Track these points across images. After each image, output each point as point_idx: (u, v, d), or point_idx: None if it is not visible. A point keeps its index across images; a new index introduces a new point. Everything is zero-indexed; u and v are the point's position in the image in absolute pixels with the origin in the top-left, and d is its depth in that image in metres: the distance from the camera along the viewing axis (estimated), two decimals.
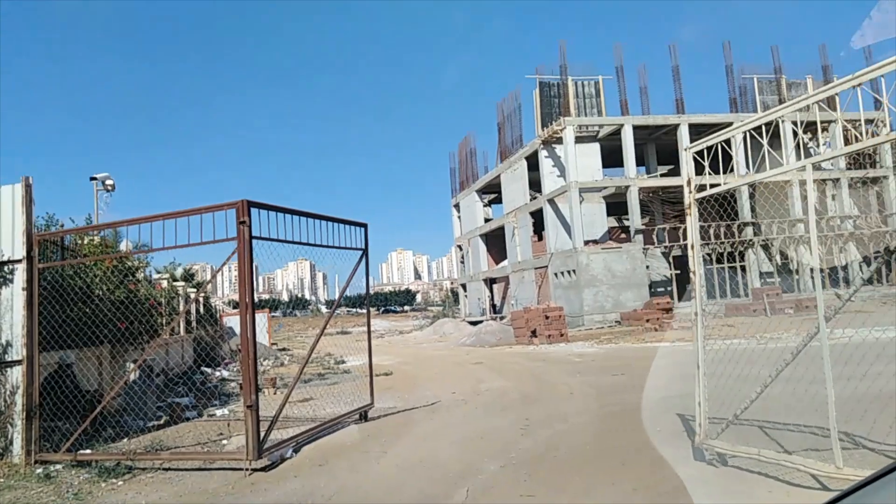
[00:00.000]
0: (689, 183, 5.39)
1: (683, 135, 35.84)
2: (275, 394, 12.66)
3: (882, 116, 39.41)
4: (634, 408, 7.83)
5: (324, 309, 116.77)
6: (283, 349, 28.65)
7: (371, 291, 9.68)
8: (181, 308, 16.73)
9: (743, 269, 35.86)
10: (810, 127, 40.57)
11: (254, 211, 6.39)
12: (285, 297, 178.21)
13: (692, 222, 5.39)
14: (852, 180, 39.28)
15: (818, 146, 42.25)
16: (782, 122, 34.77)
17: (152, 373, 11.01)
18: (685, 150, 5.38)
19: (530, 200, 39.32)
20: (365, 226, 8.18)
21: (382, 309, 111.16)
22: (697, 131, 37.09)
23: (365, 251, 8.35)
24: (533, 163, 38.41)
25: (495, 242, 47.01)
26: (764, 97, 40.20)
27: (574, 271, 33.14)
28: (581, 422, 7.71)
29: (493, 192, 48.50)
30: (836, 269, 37.69)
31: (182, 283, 19.30)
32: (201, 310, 21.64)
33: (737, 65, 39.08)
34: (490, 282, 48.31)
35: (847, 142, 40.91)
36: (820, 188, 40.01)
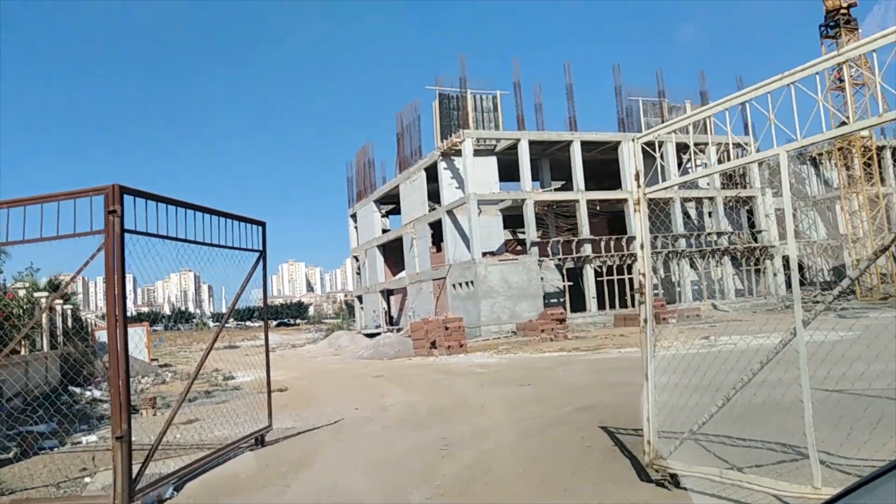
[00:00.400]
0: (637, 177, 5.03)
1: (576, 151, 37.09)
2: (154, 415, 11.29)
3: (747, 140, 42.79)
4: (553, 421, 7.46)
5: (210, 322, 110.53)
6: (165, 365, 26.51)
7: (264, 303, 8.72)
8: (42, 319, 14.69)
9: (631, 281, 37.43)
10: (687, 148, 43.42)
11: (128, 200, 5.32)
12: (167, 311, 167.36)
13: (641, 219, 5.03)
14: (726, 199, 42.26)
15: (695, 167, 45.26)
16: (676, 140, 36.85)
17: (1, 397, 9.39)
18: (633, 140, 5.01)
19: (429, 211, 39.10)
20: (263, 224, 7.24)
21: (278, 322, 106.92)
22: (588, 149, 38.59)
23: (263, 253, 7.40)
24: (432, 174, 38.26)
25: (393, 253, 46.38)
26: (648, 118, 42.48)
27: (472, 282, 33.18)
28: (504, 440, 7.16)
29: (391, 202, 47.89)
30: (712, 281, 40.36)
31: (45, 294, 17.05)
32: (69, 323, 19.30)
33: (625, 87, 41.08)
34: (387, 293, 47.54)
35: (720, 161, 44.16)
36: (697, 206, 42.79)
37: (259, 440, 7.56)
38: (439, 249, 38.28)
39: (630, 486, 4.88)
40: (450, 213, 36.21)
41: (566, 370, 13.68)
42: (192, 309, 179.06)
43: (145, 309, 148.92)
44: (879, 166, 41.88)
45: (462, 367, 17.10)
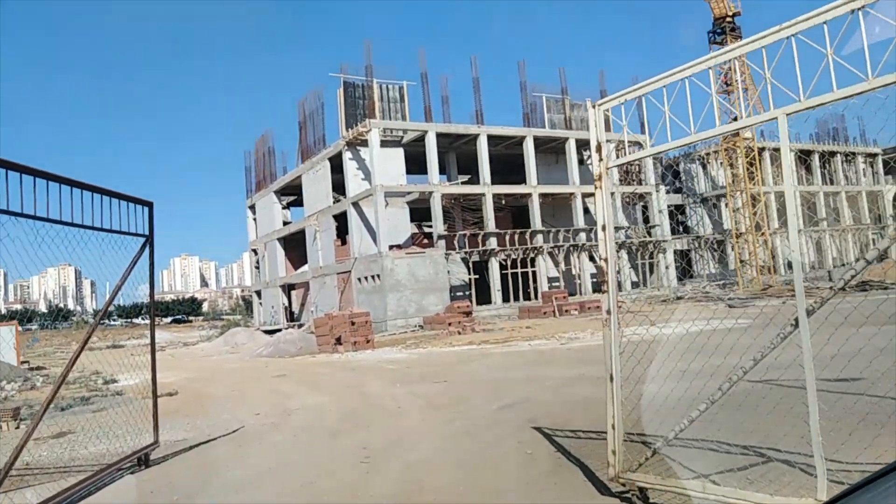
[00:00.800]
0: (599, 149, 4.45)
1: (483, 145, 37.11)
2: (17, 427, 9.81)
3: (644, 138, 44.69)
4: (482, 423, 6.88)
5: (93, 320, 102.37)
6: (37, 368, 23.79)
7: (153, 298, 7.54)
8: None
9: (534, 274, 38.04)
10: (588, 145, 44.70)
11: None
12: (43, 308, 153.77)
13: (603, 196, 4.46)
14: (624, 195, 43.88)
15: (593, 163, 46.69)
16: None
17: None
18: (594, 106, 4.43)
19: (334, 203, 37.84)
20: (150, 205, 6.09)
21: (172, 319, 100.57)
22: (495, 143, 38.75)
23: (150, 238, 6.29)
24: (337, 164, 37.02)
25: (295, 246, 44.60)
26: (551, 115, 43.29)
27: (378, 276, 32.39)
28: (433, 448, 6.42)
29: (293, 193, 46.03)
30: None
31: None
32: None
33: (529, 83, 41.54)
34: (288, 288, 45.72)
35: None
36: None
37: (143, 459, 6.42)
38: (344, 242, 37.15)
39: (592, 501, 4.31)
40: (356, 204, 35.17)
41: (480, 365, 13.30)
42: (72, 306, 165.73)
43: (18, 307, 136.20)
44: (760, 167, 44.95)
45: (371, 364, 16.37)
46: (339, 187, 37.75)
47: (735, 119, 4.79)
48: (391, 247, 33.41)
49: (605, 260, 4.47)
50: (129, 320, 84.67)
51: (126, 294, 6.49)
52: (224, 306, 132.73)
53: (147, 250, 6.19)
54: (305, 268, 42.29)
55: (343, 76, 36.61)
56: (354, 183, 35.52)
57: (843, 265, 52.23)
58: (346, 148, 35.48)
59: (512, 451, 5.75)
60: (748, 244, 44.08)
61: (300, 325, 38.97)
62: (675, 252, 46.70)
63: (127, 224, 5.71)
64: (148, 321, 7.37)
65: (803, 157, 54.71)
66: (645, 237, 44.07)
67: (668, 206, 47.63)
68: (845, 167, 57.07)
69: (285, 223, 46.42)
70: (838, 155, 56.61)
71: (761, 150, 46.52)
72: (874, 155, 59.06)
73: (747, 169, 42.91)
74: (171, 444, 7.39)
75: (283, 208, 47.42)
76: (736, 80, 41.31)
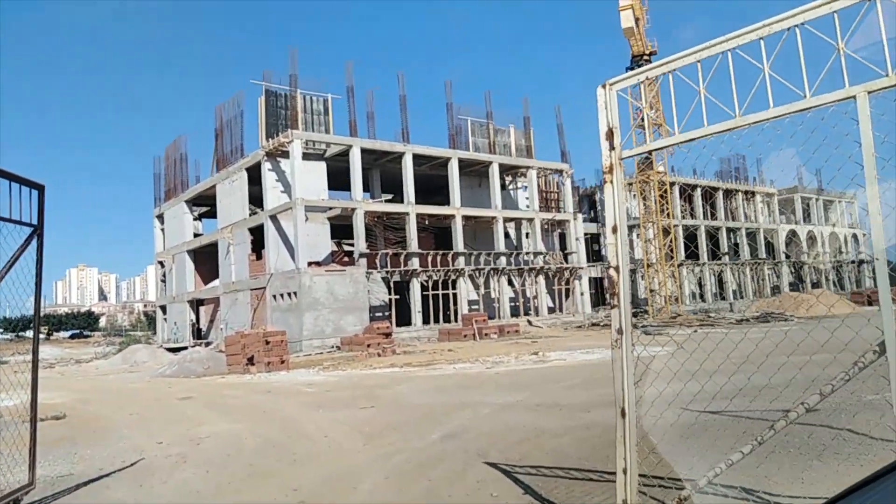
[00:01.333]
0: (610, 135, 3.62)
1: (408, 163, 36.73)
2: None
3: (566, 167, 45.82)
4: (426, 457, 6.13)
5: None
6: None
7: (41, 311, 6.32)
8: None
9: (454, 296, 37.79)
10: (510, 170, 45.38)
11: None
12: None
13: (615, 191, 3.60)
14: (543, 221, 44.65)
15: (516, 188, 47.48)
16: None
17: None
18: (606, 85, 3.57)
19: (250, 215, 36.19)
20: (41, 188, 4.86)
21: (71, 334, 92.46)
22: (420, 163, 38.49)
23: (38, 229, 5.04)
24: (255, 175, 35.49)
25: (206, 260, 42.29)
26: (475, 139, 43.61)
27: (295, 293, 31.06)
28: (377, 489, 5.42)
29: (206, 204, 43.78)
30: (527, 298, 42.17)
31: None
32: None
33: (456, 104, 41.68)
34: (197, 304, 43.20)
35: (540, 189, 46.78)
36: (517, 227, 44.70)
37: None
38: (260, 257, 35.51)
39: None
40: (274, 218, 33.75)
41: (407, 388, 12.61)
42: None
43: None
44: (670, 200, 47.05)
45: (287, 387, 15.32)
46: (256, 199, 36.18)
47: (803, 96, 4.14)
48: (310, 263, 32.22)
49: (616, 268, 3.70)
50: (16, 334, 77.58)
51: (13, 304, 5.40)
52: (124, 322, 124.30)
53: (35, 242, 5.02)
54: (216, 282, 40.12)
55: (265, 84, 35.34)
56: (273, 195, 34.12)
57: (743, 298, 55.42)
58: (265, 158, 34.09)
59: (472, 492, 4.99)
60: (658, 274, 45.84)
61: (208, 344, 36.81)
62: (589, 279, 47.88)
63: (10, 210, 4.62)
64: (42, 335, 6.20)
65: (710, 193, 57.92)
66: (562, 263, 44.92)
67: (585, 235, 48.90)
68: (745, 205, 60.84)
69: (196, 235, 44.01)
70: (739, 193, 60.31)
71: (672, 184, 48.77)
72: (771, 194, 63.40)
73: (658, 201, 44.81)
74: (53, 482, 6.25)
75: (195, 219, 44.99)
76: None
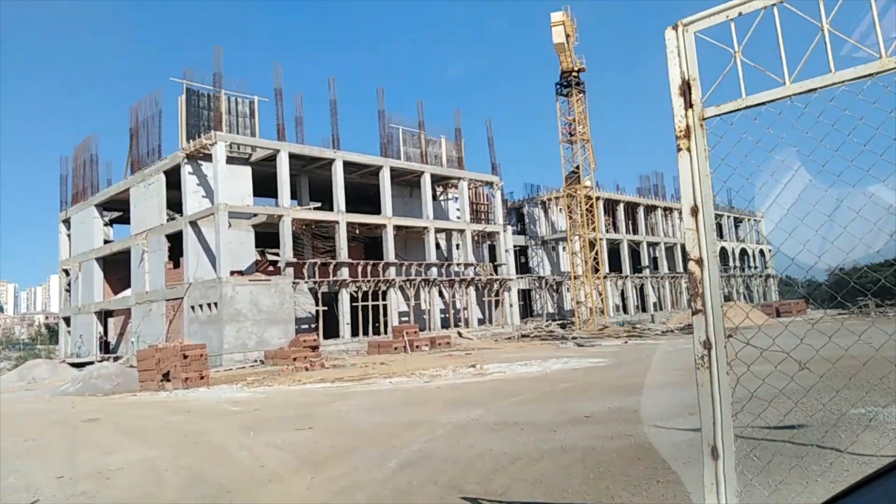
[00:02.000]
0: (688, 89, 2.59)
1: (338, 171, 35.68)
2: None
3: (496, 180, 45.99)
4: (388, 493, 5.18)
5: None
6: None
7: None
8: None
9: (385, 307, 36.88)
10: (442, 181, 45.06)
11: None
12: None
13: (697, 161, 2.53)
14: (474, 233, 44.51)
15: (447, 199, 47.18)
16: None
17: None
18: (678, 27, 2.32)
19: (168, 221, 34.02)
20: None
21: None
22: (350, 171, 37.49)
23: None
24: (174, 179, 33.44)
25: (117, 268, 39.47)
26: (407, 148, 43.00)
27: (216, 304, 29.29)
28: None
29: (118, 208, 40.96)
30: (458, 309, 41.79)
31: None
32: None
33: (388, 112, 40.94)
34: (105, 315, 40.20)
35: (471, 200, 46.68)
36: (447, 238, 44.36)
37: None
38: (177, 265, 33.39)
39: None
40: (194, 224, 31.82)
41: (345, 406, 11.67)
42: None
43: None
44: (596, 214, 48.06)
45: (209, 405, 14.03)
46: (175, 205, 34.08)
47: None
48: (232, 272, 30.56)
49: (699, 261, 2.59)
50: None
51: None
52: (22, 335, 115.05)
53: None
54: (128, 292, 37.47)
55: (186, 82, 33.51)
56: (194, 200, 32.19)
57: (662, 310, 57.32)
58: (185, 161, 32.16)
59: None
60: (584, 286, 46.62)
61: (117, 358, 34.30)
62: (518, 291, 48.11)
63: None
64: None
65: (632, 208, 59.80)
66: (492, 275, 44.89)
67: (514, 247, 49.18)
68: (664, 221, 63.15)
69: (107, 241, 41.04)
70: (658, 209, 62.57)
71: (597, 198, 49.89)
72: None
73: (585, 215, 45.68)
74: None
75: (106, 225, 41.98)
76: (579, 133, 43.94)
